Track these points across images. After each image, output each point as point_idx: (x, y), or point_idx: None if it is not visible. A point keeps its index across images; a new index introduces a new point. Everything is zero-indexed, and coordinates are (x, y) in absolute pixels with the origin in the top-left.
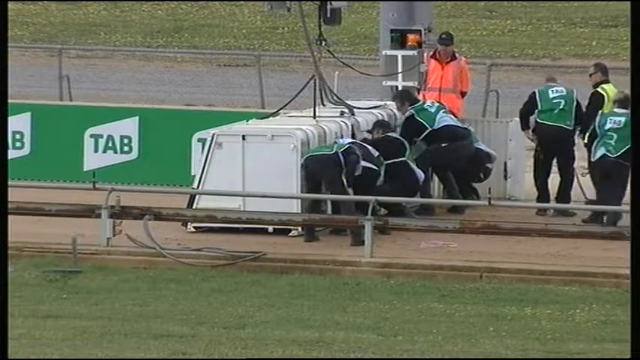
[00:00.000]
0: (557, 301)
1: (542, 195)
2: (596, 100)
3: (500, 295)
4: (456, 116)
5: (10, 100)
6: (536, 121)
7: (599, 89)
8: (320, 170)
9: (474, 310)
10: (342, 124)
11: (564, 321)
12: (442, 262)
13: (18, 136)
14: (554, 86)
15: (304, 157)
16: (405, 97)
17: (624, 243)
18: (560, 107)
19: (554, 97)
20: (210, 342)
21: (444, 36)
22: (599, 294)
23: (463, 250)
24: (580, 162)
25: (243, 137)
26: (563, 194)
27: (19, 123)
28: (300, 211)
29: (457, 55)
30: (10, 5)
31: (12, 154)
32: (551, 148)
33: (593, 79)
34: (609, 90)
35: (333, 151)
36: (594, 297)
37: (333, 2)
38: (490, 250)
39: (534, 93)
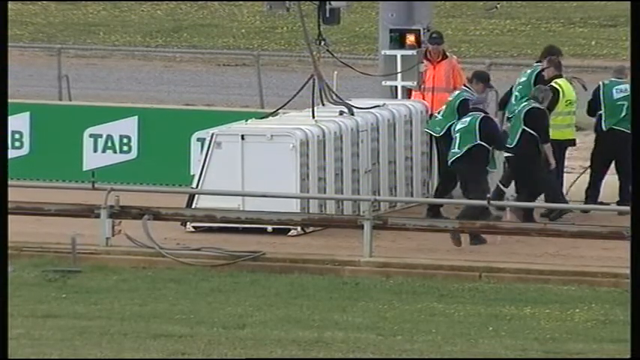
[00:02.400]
0: (557, 300)
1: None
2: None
3: (499, 295)
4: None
5: (9, 100)
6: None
7: (553, 84)
8: (464, 172)
9: (473, 309)
10: (342, 124)
11: (563, 321)
12: (441, 262)
13: (17, 136)
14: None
15: (450, 158)
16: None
17: (623, 243)
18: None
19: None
20: (210, 342)
21: (434, 35)
22: (598, 294)
23: (462, 250)
24: (579, 162)
25: (242, 137)
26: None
27: (18, 123)
28: (299, 211)
29: (448, 53)
30: (10, 5)
31: (11, 153)
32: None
33: (547, 74)
34: (563, 84)
35: (474, 143)
36: (593, 297)
37: (332, 2)
38: (489, 249)
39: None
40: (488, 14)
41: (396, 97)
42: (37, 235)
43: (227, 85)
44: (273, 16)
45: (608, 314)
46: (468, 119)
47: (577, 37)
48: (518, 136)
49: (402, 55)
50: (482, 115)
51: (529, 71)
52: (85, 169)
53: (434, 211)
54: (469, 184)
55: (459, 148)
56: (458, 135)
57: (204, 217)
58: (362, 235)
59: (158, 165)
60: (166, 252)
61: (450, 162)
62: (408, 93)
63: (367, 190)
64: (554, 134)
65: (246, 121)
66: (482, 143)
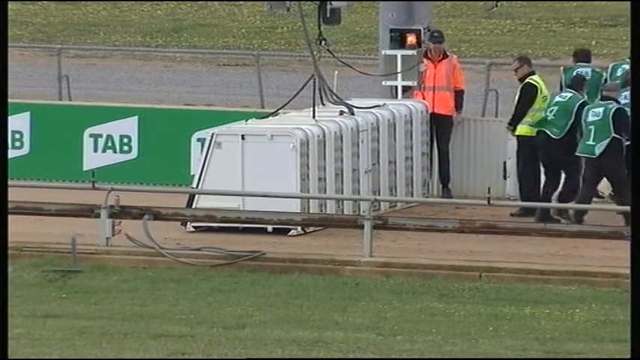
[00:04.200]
0: (557, 300)
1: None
2: (530, 92)
3: (499, 295)
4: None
5: (9, 100)
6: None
7: (530, 81)
8: (604, 168)
9: (473, 309)
10: (342, 124)
11: (563, 321)
12: (441, 262)
13: (17, 136)
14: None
15: (584, 151)
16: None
17: (623, 242)
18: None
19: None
20: (210, 342)
21: (435, 34)
22: (598, 294)
23: (462, 250)
24: None
25: (243, 137)
26: None
27: (18, 122)
28: (299, 211)
29: (448, 53)
30: (10, 5)
31: (11, 153)
32: None
33: (520, 73)
34: (539, 81)
35: (610, 136)
36: (593, 297)
37: (332, 2)
38: (489, 249)
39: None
40: (488, 14)
41: (396, 97)
42: (37, 235)
43: (227, 85)
44: (273, 16)
45: (608, 314)
46: (602, 110)
47: (577, 37)
48: None
49: (402, 55)
50: (616, 105)
51: (627, 66)
52: (85, 169)
53: (580, 216)
54: (613, 180)
55: (593, 141)
56: (592, 127)
57: (205, 217)
58: (362, 235)
59: (158, 165)
60: (166, 252)
61: (583, 155)
62: (410, 93)
63: (367, 190)
64: (530, 130)
65: (246, 121)
66: (618, 136)
